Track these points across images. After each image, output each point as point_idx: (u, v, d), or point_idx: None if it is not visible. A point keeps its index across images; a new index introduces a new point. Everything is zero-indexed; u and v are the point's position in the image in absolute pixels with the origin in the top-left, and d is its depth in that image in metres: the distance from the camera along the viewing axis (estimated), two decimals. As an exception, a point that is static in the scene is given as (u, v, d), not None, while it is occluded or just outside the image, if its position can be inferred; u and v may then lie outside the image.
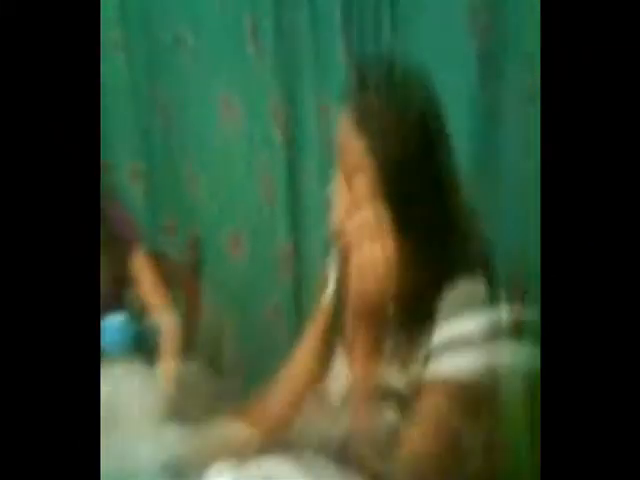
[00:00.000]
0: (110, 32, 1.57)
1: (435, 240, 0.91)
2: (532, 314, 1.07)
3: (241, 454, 0.99)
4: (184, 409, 1.21)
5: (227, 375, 1.63)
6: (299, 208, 1.64)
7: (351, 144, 0.90)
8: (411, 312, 0.95)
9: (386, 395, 0.95)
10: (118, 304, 1.33)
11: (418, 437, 0.91)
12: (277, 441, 1.09)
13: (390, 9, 1.49)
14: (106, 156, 1.47)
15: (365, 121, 0.89)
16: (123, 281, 1.42)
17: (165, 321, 1.41)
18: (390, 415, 0.96)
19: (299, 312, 1.64)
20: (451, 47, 1.44)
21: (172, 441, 0.81)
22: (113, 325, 0.77)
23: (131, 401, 0.77)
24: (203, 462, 0.88)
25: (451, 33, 1.43)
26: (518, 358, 1.08)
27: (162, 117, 1.68)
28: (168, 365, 1.32)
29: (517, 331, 1.05)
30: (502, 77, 1.43)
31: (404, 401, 0.95)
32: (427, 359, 0.93)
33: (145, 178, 1.62)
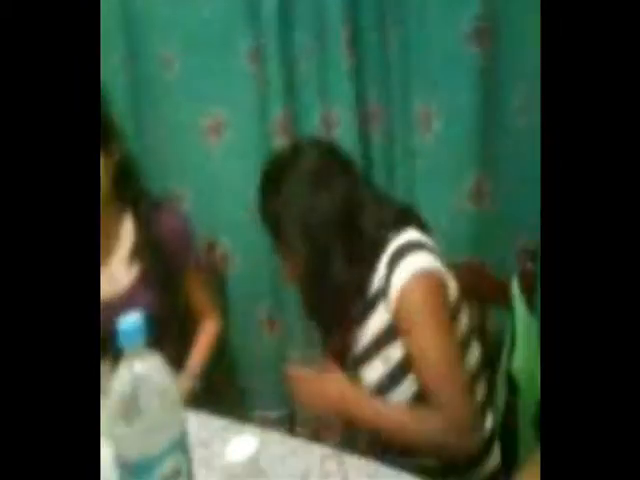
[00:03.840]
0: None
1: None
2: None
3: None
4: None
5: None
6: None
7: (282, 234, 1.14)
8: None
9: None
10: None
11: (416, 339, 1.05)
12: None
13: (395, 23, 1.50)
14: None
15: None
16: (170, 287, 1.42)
17: (208, 329, 1.50)
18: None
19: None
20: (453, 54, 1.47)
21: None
22: (129, 325, 0.78)
23: (152, 394, 0.78)
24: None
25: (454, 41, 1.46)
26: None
27: (152, 140, 1.68)
28: (196, 365, 1.41)
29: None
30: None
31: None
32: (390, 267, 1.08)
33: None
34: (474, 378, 1.17)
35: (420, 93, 1.51)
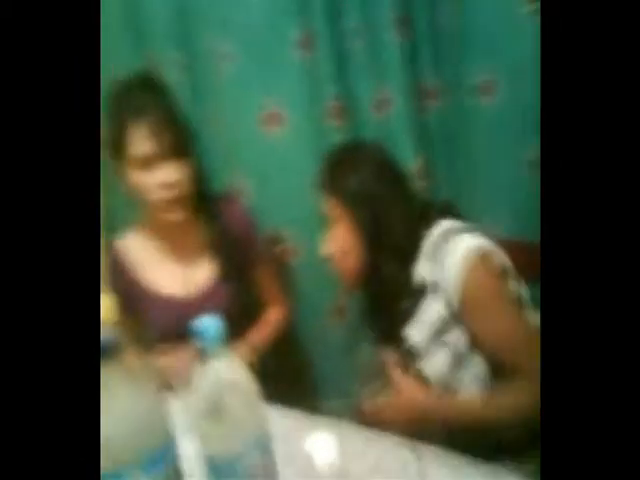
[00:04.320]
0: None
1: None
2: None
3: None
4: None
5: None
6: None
7: (329, 204, 1.21)
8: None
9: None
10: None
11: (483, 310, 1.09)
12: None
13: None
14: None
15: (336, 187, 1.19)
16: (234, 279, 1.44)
17: (274, 313, 1.53)
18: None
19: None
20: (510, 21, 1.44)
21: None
22: (209, 326, 0.80)
23: (234, 394, 0.81)
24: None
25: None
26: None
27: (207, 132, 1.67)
28: (254, 338, 1.44)
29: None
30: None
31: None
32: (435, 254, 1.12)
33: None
34: None
35: (478, 63, 1.50)
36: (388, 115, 1.60)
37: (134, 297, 1.42)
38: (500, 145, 1.56)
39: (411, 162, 1.60)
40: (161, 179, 1.30)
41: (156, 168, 1.29)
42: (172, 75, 1.58)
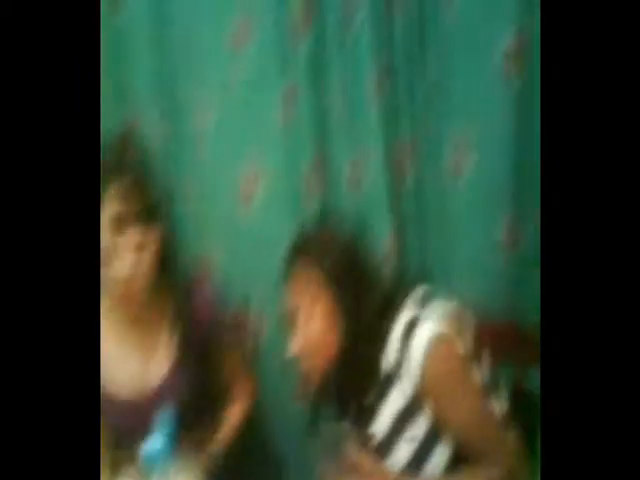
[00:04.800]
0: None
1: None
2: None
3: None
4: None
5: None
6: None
7: (309, 280, 1.16)
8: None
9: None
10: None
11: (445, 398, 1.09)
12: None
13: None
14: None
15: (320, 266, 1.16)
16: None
17: (238, 405, 1.46)
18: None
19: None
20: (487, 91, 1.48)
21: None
22: (155, 447, 0.77)
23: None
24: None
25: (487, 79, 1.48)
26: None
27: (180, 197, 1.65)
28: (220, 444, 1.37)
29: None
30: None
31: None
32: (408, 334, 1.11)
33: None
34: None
35: (454, 128, 1.52)
36: (364, 187, 1.60)
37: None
38: (472, 222, 1.57)
39: (384, 235, 1.59)
40: (128, 244, 1.24)
41: (123, 232, 1.24)
42: (151, 133, 1.57)
